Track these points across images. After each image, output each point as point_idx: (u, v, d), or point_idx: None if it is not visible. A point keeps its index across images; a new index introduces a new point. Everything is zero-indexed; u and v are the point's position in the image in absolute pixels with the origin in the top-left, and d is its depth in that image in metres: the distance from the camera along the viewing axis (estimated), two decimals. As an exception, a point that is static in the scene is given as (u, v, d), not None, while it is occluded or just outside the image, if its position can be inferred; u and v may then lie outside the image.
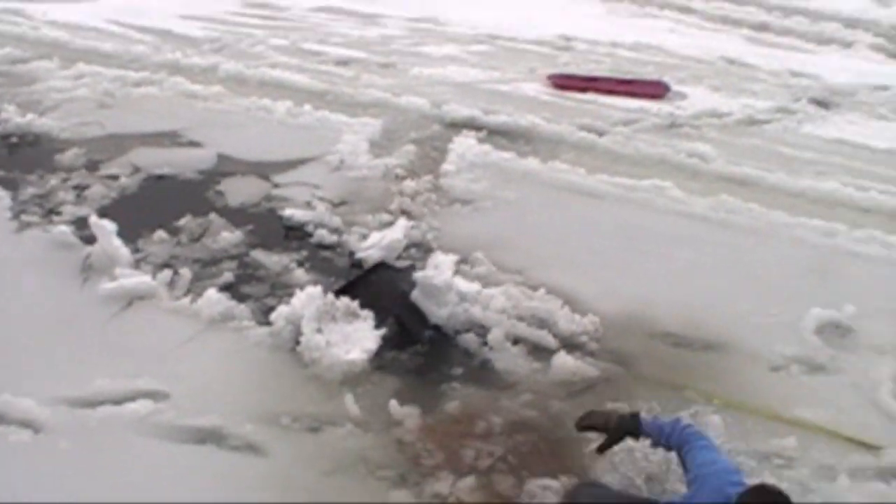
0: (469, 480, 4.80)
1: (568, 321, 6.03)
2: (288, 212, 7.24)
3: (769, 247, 7.39)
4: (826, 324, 6.38)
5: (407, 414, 5.19)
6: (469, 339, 5.83)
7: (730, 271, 6.95)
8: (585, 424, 4.72)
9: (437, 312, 5.84)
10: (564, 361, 5.65)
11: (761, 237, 7.53)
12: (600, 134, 9.18)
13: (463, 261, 6.57)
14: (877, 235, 7.58)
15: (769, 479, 4.84)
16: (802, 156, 9.16)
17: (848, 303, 6.50)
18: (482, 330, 5.88)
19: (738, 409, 5.47)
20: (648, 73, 11.20)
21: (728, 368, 5.87)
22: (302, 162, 8.19)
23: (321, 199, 7.52)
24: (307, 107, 9.28)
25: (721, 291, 6.66)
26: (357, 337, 5.63)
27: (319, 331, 5.60)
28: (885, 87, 11.21)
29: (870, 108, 10.64)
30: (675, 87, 10.68)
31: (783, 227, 7.70)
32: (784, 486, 4.79)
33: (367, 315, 5.77)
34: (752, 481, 4.75)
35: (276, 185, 7.74)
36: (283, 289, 6.26)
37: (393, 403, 5.22)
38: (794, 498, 4.67)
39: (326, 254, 6.77)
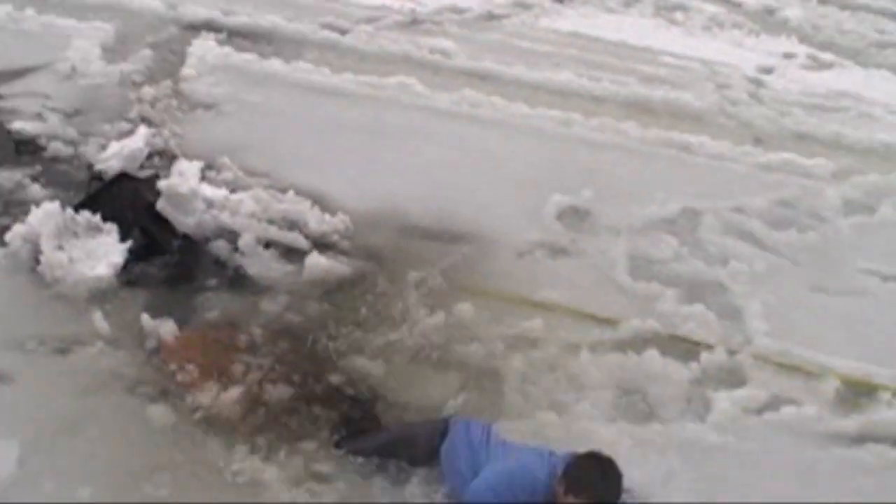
0: (234, 392, 4.72)
1: (318, 221, 6.01)
2: (17, 125, 6.76)
3: (511, 138, 7.64)
4: (566, 209, 6.71)
5: (160, 327, 5.03)
6: (220, 247, 5.71)
7: (475, 164, 7.14)
8: None
9: (185, 221, 5.69)
10: (317, 262, 5.66)
11: (504, 129, 7.77)
12: (343, 32, 9.09)
13: (208, 167, 6.37)
14: (608, 123, 7.99)
15: (517, 360, 5.13)
16: (540, 49, 9.47)
17: (585, 188, 6.86)
18: (232, 236, 5.76)
19: (488, 295, 5.68)
20: (388, -30, 11.15)
21: (476, 257, 6.07)
22: (28, 71, 7.63)
23: (53, 109, 7.06)
24: (30, 11, 8.59)
25: (467, 184, 6.84)
26: (101, 252, 5.41)
27: (60, 248, 5.33)
28: (613, -19, 11.67)
29: (601, 2, 11.09)
30: (415, -16, 10.70)
31: (523, 118, 7.97)
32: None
33: (111, 228, 5.54)
34: (500, 362, 5.06)
35: (1, 97, 7.20)
36: (17, 206, 5.87)
37: (145, 318, 5.06)
38: (541, 375, 5.03)
39: (63, 167, 6.40)
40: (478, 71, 8.74)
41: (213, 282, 5.52)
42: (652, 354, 5.30)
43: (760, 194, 7.34)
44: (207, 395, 4.68)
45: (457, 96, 8.09)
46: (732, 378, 5.29)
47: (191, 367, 4.82)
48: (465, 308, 5.46)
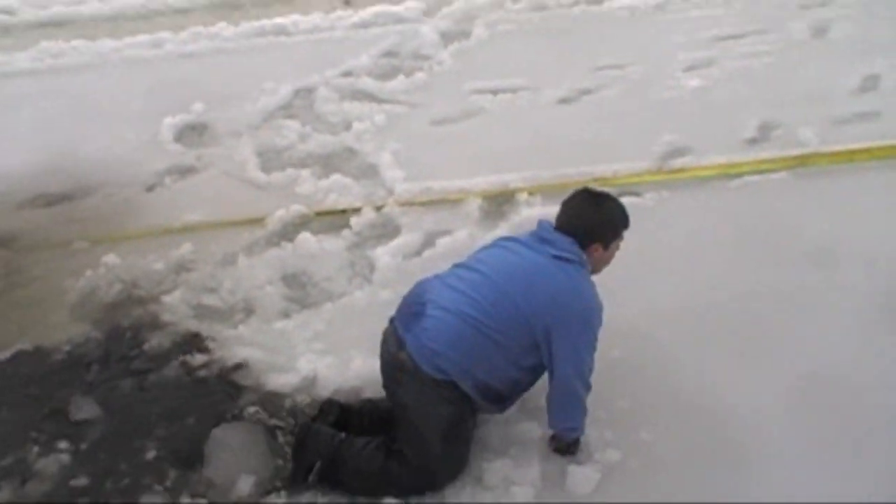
0: None
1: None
2: None
3: (106, 76, 7.37)
4: (182, 128, 6.58)
5: None
6: None
7: (76, 114, 6.80)
8: None
9: None
10: (-62, 272, 5.21)
11: (96, 70, 7.47)
12: None
13: None
14: (199, 31, 7.84)
15: (178, 291, 5.01)
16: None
17: (194, 102, 6.73)
18: None
19: (130, 238, 5.47)
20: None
21: (108, 206, 5.84)
22: None
23: None
24: None
25: (75, 136, 6.51)
26: None
27: None
28: None
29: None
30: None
31: (113, 52, 7.68)
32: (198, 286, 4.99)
33: None
34: (164, 297, 4.90)
35: None
36: None
37: None
38: (204, 296, 4.95)
39: None
40: (50, 19, 8.26)
41: None
42: (305, 237, 5.35)
43: (363, 52, 7.51)
44: None
45: (35, 51, 7.62)
46: (386, 231, 5.46)
47: None
48: (110, 259, 5.22)
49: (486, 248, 3.99)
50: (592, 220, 3.82)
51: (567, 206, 3.87)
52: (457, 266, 3.94)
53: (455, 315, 3.68)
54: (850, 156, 5.85)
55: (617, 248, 3.92)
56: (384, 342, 3.87)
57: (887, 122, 6.22)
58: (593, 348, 3.74)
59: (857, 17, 7.79)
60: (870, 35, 7.46)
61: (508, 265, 3.78)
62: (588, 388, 3.78)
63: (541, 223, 3.88)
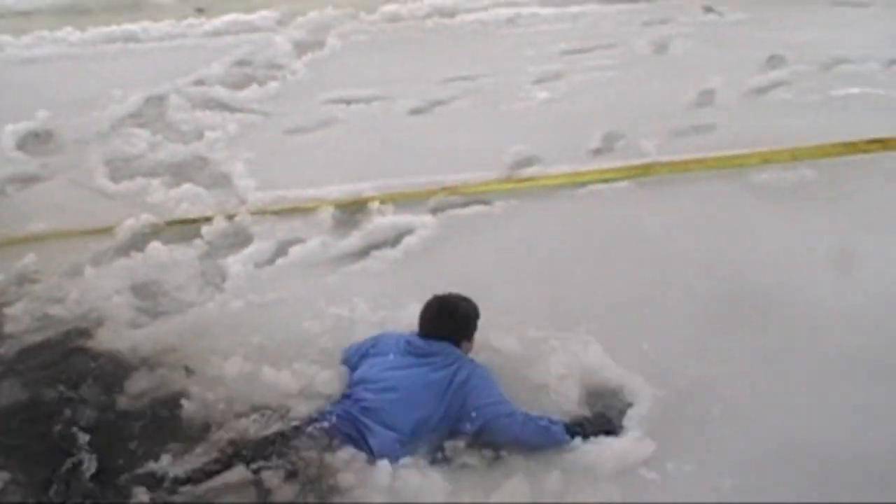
0: None
1: None
2: None
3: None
4: (25, 136, 6.42)
5: None
6: None
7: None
8: None
9: None
10: None
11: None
12: None
13: None
14: (43, 35, 7.66)
15: (21, 303, 4.86)
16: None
17: (38, 109, 6.57)
18: None
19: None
20: None
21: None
22: None
23: None
24: None
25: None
26: None
27: None
28: None
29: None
30: None
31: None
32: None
33: None
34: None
35: None
36: None
37: None
38: (48, 306, 4.82)
39: None
40: None
41: None
42: (155, 246, 5.25)
43: (216, 60, 7.49)
44: None
45: None
46: (238, 240, 5.42)
47: None
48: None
49: (387, 367, 4.05)
50: (457, 326, 4.13)
51: (429, 317, 4.12)
52: (369, 385, 3.97)
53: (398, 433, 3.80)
54: (687, 166, 6.12)
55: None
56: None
57: (720, 135, 6.56)
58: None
59: (695, 36, 8.20)
60: (706, 52, 7.84)
61: (421, 385, 3.92)
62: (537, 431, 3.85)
63: (410, 340, 4.08)
